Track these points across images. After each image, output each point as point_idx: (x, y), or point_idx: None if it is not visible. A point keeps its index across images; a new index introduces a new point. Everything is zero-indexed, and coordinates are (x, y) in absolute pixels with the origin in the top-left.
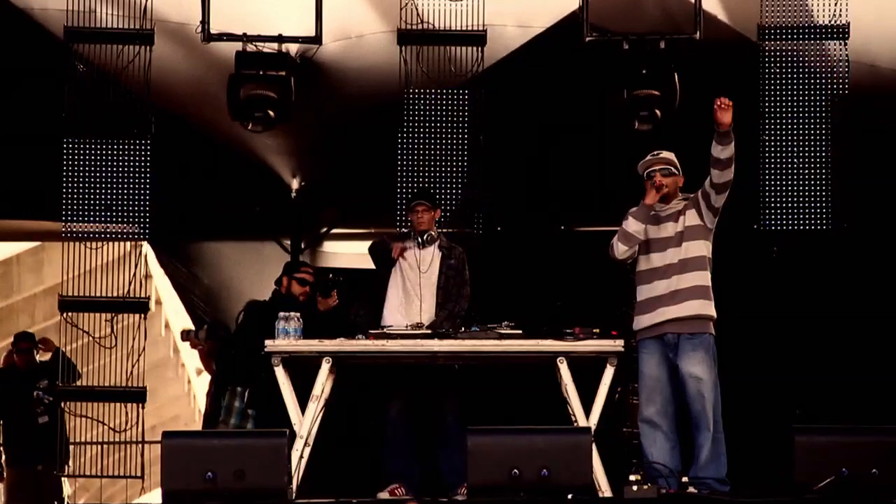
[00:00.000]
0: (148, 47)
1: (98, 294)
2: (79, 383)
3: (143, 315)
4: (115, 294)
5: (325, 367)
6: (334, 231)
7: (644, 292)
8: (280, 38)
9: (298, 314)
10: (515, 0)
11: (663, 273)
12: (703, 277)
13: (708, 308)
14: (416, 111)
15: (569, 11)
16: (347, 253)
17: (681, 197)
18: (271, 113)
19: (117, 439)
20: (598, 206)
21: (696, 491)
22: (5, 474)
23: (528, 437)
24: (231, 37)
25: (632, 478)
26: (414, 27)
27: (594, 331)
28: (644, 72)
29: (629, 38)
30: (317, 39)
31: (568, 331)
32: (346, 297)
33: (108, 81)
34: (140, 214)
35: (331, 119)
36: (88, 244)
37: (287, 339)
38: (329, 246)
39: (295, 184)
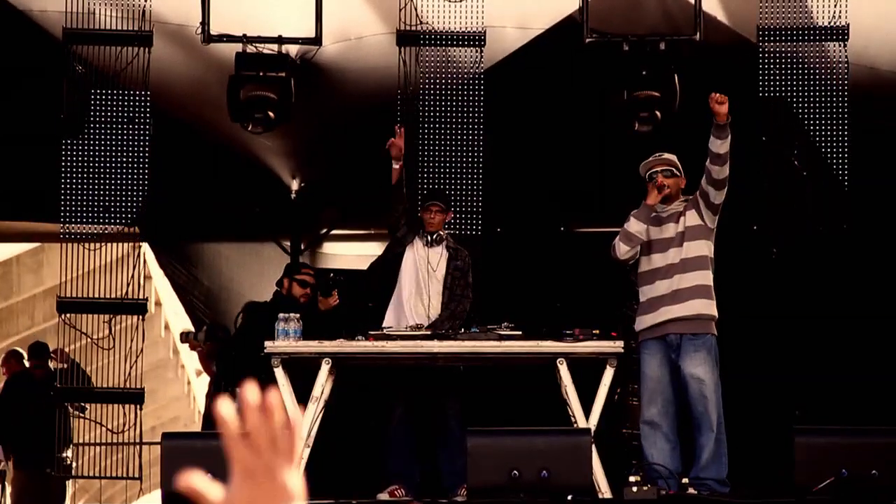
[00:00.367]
0: (147, 49)
1: (97, 295)
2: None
3: (141, 316)
4: (113, 295)
5: (325, 368)
6: (334, 232)
7: (646, 292)
8: (280, 40)
9: (298, 315)
10: (515, 1)
11: (665, 273)
12: (705, 277)
13: (710, 308)
14: (417, 112)
15: (568, 13)
16: (347, 254)
17: (682, 198)
18: (271, 114)
19: (116, 440)
20: (597, 208)
21: (696, 492)
22: (13, 476)
23: (528, 439)
24: (231, 38)
25: (632, 479)
26: (413, 28)
27: (594, 332)
28: (644, 73)
29: (629, 39)
30: (317, 41)
31: (567, 332)
32: (347, 296)
33: (107, 83)
34: (139, 215)
35: (331, 120)
36: (87, 245)
37: (287, 341)
38: (329, 247)
39: (295, 185)
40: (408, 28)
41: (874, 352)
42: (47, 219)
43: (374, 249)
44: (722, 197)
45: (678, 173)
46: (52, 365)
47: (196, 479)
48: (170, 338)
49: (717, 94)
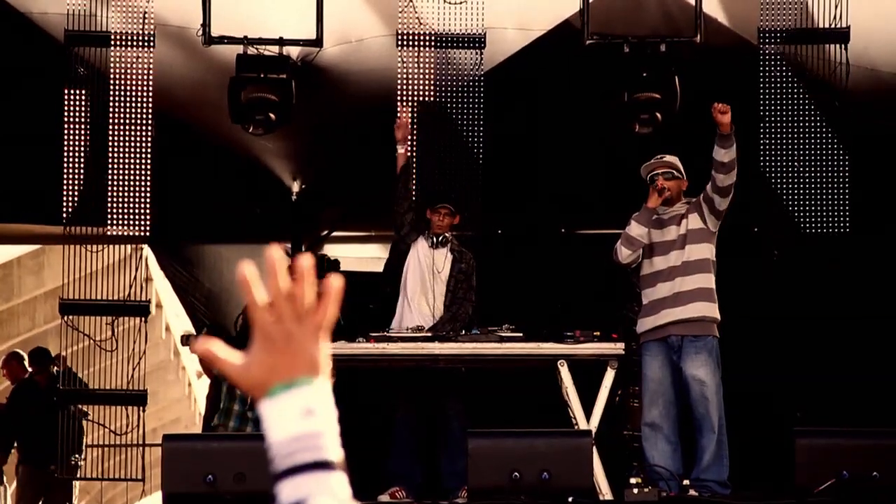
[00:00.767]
0: (149, 51)
1: (99, 297)
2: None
3: (143, 318)
4: (115, 297)
5: None
6: (335, 234)
7: (648, 295)
8: (281, 42)
9: None
10: (515, 3)
11: (667, 275)
12: (707, 280)
13: (712, 310)
14: (417, 114)
15: (569, 14)
16: (348, 256)
17: (684, 201)
18: (272, 116)
19: (118, 442)
20: (598, 209)
21: (697, 494)
22: (20, 473)
23: (529, 440)
24: (232, 40)
25: (633, 481)
26: (413, 30)
27: (595, 334)
28: (644, 75)
29: (629, 41)
30: (317, 42)
31: (568, 334)
32: (348, 298)
33: (108, 85)
34: (140, 217)
35: (331, 122)
36: (89, 247)
37: None
38: (330, 248)
39: (295, 186)
40: (408, 30)
41: (875, 352)
42: (48, 221)
43: (375, 251)
44: (727, 203)
45: (679, 175)
46: (53, 370)
47: (213, 344)
48: (171, 340)
49: (720, 105)
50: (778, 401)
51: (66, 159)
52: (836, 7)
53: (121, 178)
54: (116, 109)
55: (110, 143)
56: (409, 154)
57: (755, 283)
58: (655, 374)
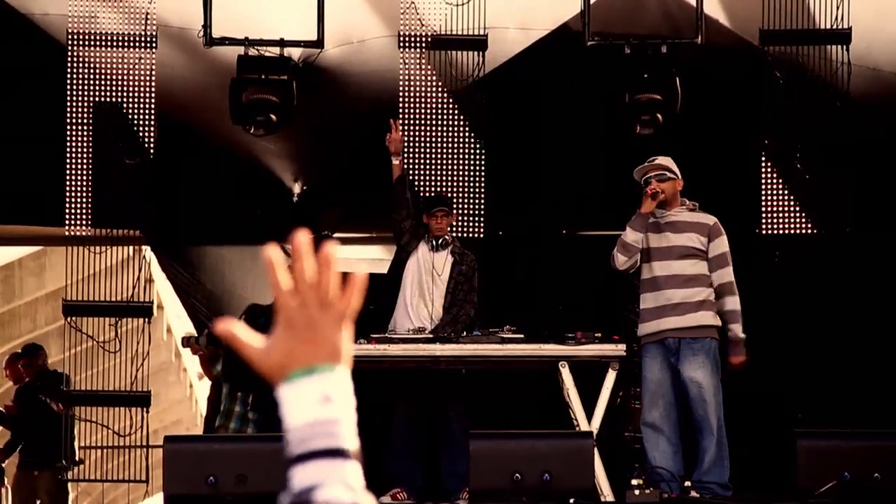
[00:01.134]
0: (150, 52)
1: (101, 298)
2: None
3: (147, 319)
4: (118, 298)
5: None
6: (336, 235)
7: (648, 301)
8: (282, 43)
9: None
10: (516, 3)
11: (667, 285)
12: (708, 293)
13: (712, 319)
14: (415, 115)
15: (570, 15)
16: (349, 258)
17: (682, 204)
18: (273, 117)
19: (121, 443)
20: (599, 211)
21: (698, 495)
22: (16, 476)
23: (530, 442)
24: (232, 41)
25: (634, 482)
26: (415, 32)
27: (596, 335)
28: (645, 76)
29: (630, 42)
30: (319, 43)
31: (570, 335)
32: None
33: (110, 86)
34: (142, 219)
35: (333, 123)
36: (91, 248)
37: None
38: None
39: (297, 188)
40: (409, 31)
41: (877, 352)
42: (49, 222)
43: (376, 253)
44: None
45: (673, 175)
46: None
47: (235, 326)
48: (171, 341)
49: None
50: (779, 402)
51: (67, 160)
52: (837, 8)
53: (122, 179)
54: (118, 110)
55: (111, 145)
56: (403, 165)
57: (756, 283)
58: (655, 376)
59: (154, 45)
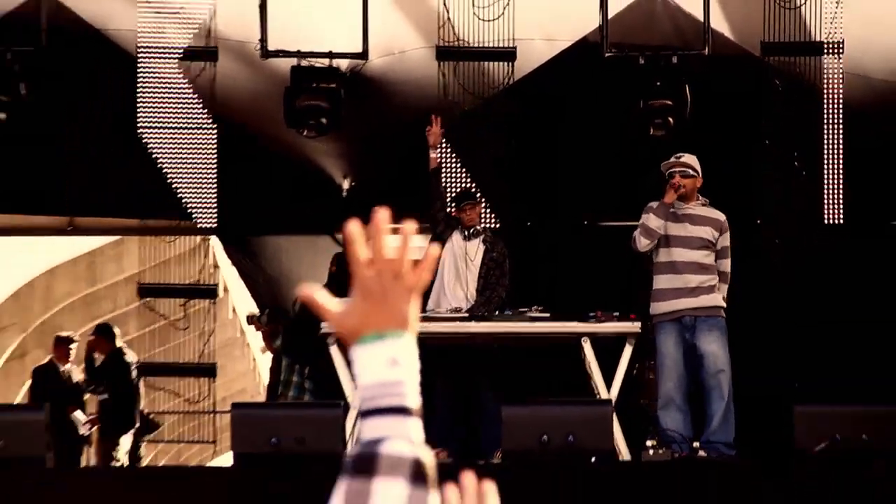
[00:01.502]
0: (212, 63)
1: (172, 281)
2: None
3: (212, 300)
4: (187, 282)
5: None
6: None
7: (663, 282)
8: (331, 55)
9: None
10: (541, 16)
11: (686, 270)
12: (716, 280)
13: (721, 301)
14: (452, 119)
15: (591, 28)
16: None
17: (699, 200)
18: (324, 121)
19: (192, 410)
20: (617, 204)
21: (705, 454)
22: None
23: (556, 408)
24: (286, 53)
25: (648, 443)
26: (451, 44)
27: (614, 314)
28: (658, 84)
29: (644, 53)
30: (363, 55)
31: (591, 314)
32: None
33: (177, 94)
34: (209, 211)
35: (377, 126)
36: (164, 238)
37: None
38: None
39: (346, 184)
40: (446, 44)
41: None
42: (127, 214)
43: (418, 241)
44: None
45: (695, 174)
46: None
47: (316, 291)
48: (236, 320)
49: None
50: (778, 373)
51: (143, 161)
52: (831, 22)
53: (191, 177)
54: (185, 116)
55: (181, 147)
56: (438, 158)
57: (756, 276)
58: (670, 351)
59: (215, 57)
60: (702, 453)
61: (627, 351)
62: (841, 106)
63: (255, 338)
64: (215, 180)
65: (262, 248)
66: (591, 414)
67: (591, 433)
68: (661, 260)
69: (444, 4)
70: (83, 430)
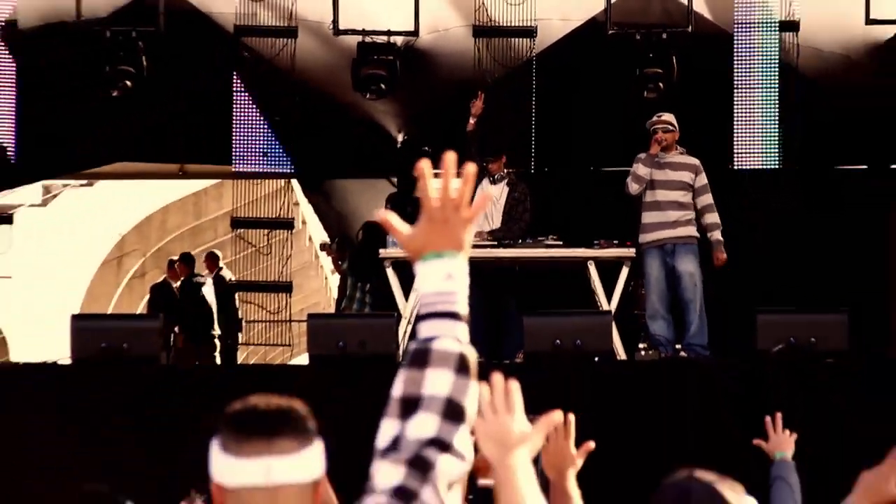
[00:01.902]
0: (293, 39)
1: (259, 215)
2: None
3: (291, 231)
4: (271, 216)
5: None
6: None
7: (649, 217)
8: (388, 33)
9: None
10: (558, 1)
11: (667, 207)
12: (692, 215)
13: (694, 232)
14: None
15: (599, 10)
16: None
17: (678, 149)
18: (383, 86)
19: (275, 319)
20: (619, 152)
21: (686, 355)
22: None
23: (567, 318)
24: (353, 31)
25: (640, 346)
26: (484, 24)
27: (614, 242)
28: (651, 55)
29: (640, 31)
30: (415, 33)
31: (595, 242)
32: None
33: (264, 66)
34: (290, 159)
35: (425, 90)
36: (253, 181)
37: (395, 249)
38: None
39: (400, 138)
40: (480, 23)
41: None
42: (224, 162)
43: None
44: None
45: (673, 128)
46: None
47: (390, 216)
48: (312, 247)
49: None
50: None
51: (235, 118)
52: (789, 5)
53: (275, 132)
54: (270, 84)
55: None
56: (477, 125)
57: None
58: (655, 272)
59: (296, 34)
60: (683, 354)
61: (624, 272)
62: (798, 74)
63: (326, 262)
64: (296, 134)
65: (332, 190)
66: (595, 322)
67: (595, 338)
68: (648, 200)
69: None
70: None
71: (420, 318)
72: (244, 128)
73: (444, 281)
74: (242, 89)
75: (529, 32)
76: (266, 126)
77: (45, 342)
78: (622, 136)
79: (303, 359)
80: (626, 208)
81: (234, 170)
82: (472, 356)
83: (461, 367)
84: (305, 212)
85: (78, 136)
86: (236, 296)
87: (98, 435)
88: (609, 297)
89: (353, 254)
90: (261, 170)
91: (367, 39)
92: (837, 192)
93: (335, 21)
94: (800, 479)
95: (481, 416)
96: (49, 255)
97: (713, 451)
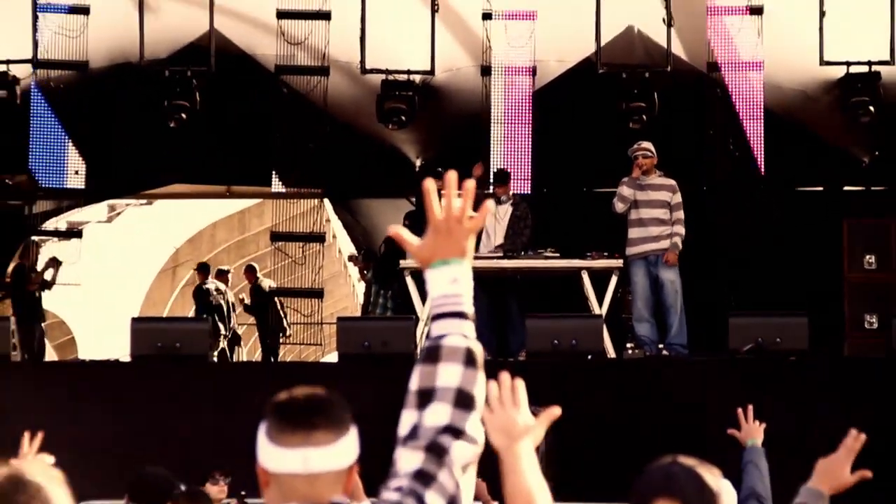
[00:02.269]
0: (326, 77)
1: (295, 230)
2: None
3: (322, 243)
4: (306, 230)
5: None
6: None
7: (634, 233)
8: (409, 72)
9: None
10: (555, 43)
11: (650, 224)
12: (671, 230)
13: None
14: (494, 117)
15: (590, 52)
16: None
17: (657, 173)
18: (403, 118)
19: (307, 321)
20: (608, 175)
21: (668, 353)
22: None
23: (564, 321)
24: (378, 70)
25: (628, 346)
26: (490, 64)
27: (604, 253)
28: (635, 91)
29: (626, 70)
30: (431, 72)
31: (588, 253)
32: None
33: (301, 100)
34: (322, 181)
35: (440, 121)
36: (290, 200)
37: (413, 260)
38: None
39: (418, 162)
40: (487, 63)
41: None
42: (265, 184)
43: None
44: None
45: (651, 155)
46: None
47: (400, 230)
48: (341, 258)
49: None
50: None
51: (274, 146)
52: (755, 47)
53: (309, 158)
54: (303, 117)
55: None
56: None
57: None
58: (640, 280)
59: (328, 73)
60: (665, 353)
61: (613, 280)
62: (762, 107)
63: (353, 271)
64: (327, 160)
65: (358, 208)
66: (588, 325)
67: (588, 339)
68: (633, 217)
69: (487, 36)
70: None
71: (431, 318)
72: (283, 155)
73: (450, 284)
74: (281, 121)
75: (530, 72)
76: (303, 153)
77: (109, 342)
78: (611, 162)
79: (332, 357)
80: (615, 224)
81: (273, 190)
82: (479, 350)
83: (469, 360)
84: (335, 227)
85: (139, 161)
86: (278, 302)
87: (153, 423)
88: (600, 303)
89: (377, 264)
90: (296, 190)
91: (390, 77)
92: (798, 210)
93: (362, 61)
94: (768, 464)
95: (490, 409)
96: (113, 266)
97: (692, 439)
